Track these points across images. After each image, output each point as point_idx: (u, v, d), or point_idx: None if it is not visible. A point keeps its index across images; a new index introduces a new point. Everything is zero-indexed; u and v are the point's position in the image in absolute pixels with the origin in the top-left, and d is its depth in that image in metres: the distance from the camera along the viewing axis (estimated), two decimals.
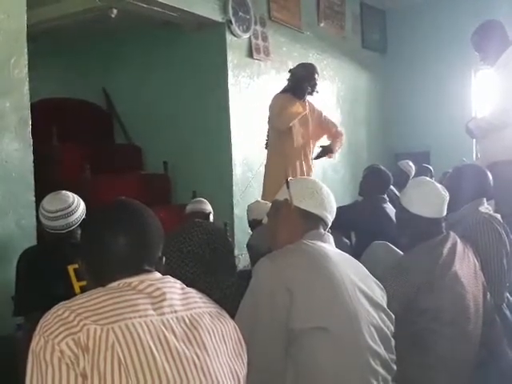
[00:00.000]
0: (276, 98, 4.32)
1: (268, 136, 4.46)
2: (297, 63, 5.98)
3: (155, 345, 1.16)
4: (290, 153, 4.31)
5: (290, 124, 4.21)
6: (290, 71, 4.48)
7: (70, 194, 2.54)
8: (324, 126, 4.57)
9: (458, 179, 2.83)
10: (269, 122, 4.41)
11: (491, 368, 2.36)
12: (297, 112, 4.23)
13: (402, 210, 2.39)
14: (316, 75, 4.38)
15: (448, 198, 2.35)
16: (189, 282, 1.40)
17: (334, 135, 4.60)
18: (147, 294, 1.23)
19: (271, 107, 4.29)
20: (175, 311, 1.24)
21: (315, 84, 4.36)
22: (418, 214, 2.31)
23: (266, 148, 4.49)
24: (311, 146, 4.51)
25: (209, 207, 3.95)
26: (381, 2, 7.64)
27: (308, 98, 4.44)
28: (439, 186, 2.37)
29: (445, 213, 2.35)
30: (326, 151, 4.53)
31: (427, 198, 2.32)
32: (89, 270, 1.36)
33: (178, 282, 1.33)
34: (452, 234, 2.36)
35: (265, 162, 4.53)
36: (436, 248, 2.26)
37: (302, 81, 4.31)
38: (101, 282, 1.28)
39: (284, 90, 4.41)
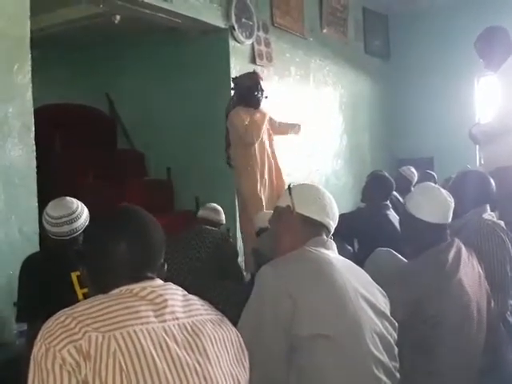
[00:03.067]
0: (234, 114, 4.28)
1: (229, 153, 4.43)
2: (300, 69, 6.04)
3: (157, 352, 1.16)
4: (255, 160, 4.31)
5: (259, 135, 4.23)
6: (233, 80, 4.48)
7: (74, 200, 2.54)
8: (271, 123, 4.56)
9: (462, 186, 2.82)
10: (231, 139, 4.38)
11: (495, 375, 2.35)
12: (261, 123, 4.25)
13: (407, 215, 2.37)
14: (261, 81, 4.38)
15: (453, 204, 2.33)
16: (194, 288, 1.40)
17: (281, 131, 4.65)
18: (149, 300, 1.23)
19: (235, 125, 4.26)
20: (177, 318, 1.24)
21: (262, 90, 4.36)
22: (423, 219, 2.29)
23: (229, 165, 4.46)
24: (272, 144, 4.52)
25: (222, 217, 3.92)
26: (384, 7, 7.65)
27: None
28: (445, 192, 2.36)
29: (450, 219, 2.34)
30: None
31: (433, 203, 2.31)
32: (90, 276, 1.36)
33: (180, 288, 1.32)
34: (456, 240, 2.35)
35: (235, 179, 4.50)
36: (441, 255, 2.25)
37: (251, 90, 4.30)
38: (102, 289, 1.28)
39: (235, 104, 4.37)
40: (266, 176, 4.36)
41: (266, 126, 4.36)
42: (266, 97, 4.40)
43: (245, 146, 4.27)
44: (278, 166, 4.50)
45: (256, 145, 4.27)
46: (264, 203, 4.23)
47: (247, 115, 4.24)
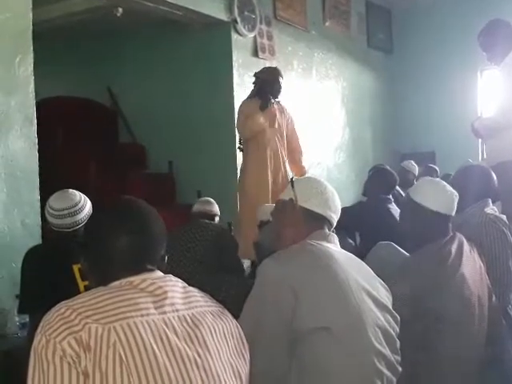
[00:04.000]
0: (243, 104, 4.34)
1: (241, 141, 4.46)
2: (302, 62, 6.03)
3: (157, 344, 1.16)
4: (264, 155, 4.34)
5: (252, 134, 4.24)
6: (254, 75, 4.48)
7: (76, 192, 2.54)
8: (290, 133, 4.59)
9: (464, 180, 2.80)
10: (240, 139, 4.44)
11: (496, 369, 2.35)
12: (258, 124, 4.26)
13: (411, 203, 2.34)
14: (280, 78, 4.39)
15: (458, 197, 2.33)
16: (194, 281, 1.40)
17: (291, 157, 4.63)
18: (149, 292, 1.23)
19: (238, 114, 4.32)
20: (177, 310, 1.24)
21: (280, 87, 4.38)
22: (429, 207, 2.28)
23: (240, 151, 4.49)
24: (283, 143, 4.53)
25: (216, 209, 3.94)
26: (387, 1, 7.62)
27: (282, 101, 4.50)
28: (448, 185, 2.35)
29: (454, 212, 2.33)
30: None
31: (439, 193, 2.31)
32: (91, 268, 1.36)
33: (180, 280, 1.32)
34: (458, 234, 2.34)
35: (240, 166, 4.55)
36: (443, 249, 2.25)
37: (266, 85, 4.31)
38: (103, 281, 1.28)
39: (251, 95, 4.40)
40: (270, 177, 4.37)
41: (281, 125, 4.40)
42: (280, 92, 4.41)
43: (251, 140, 4.29)
44: (286, 169, 4.53)
45: (263, 143, 4.31)
46: (258, 199, 4.26)
47: (253, 111, 4.24)
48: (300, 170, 4.63)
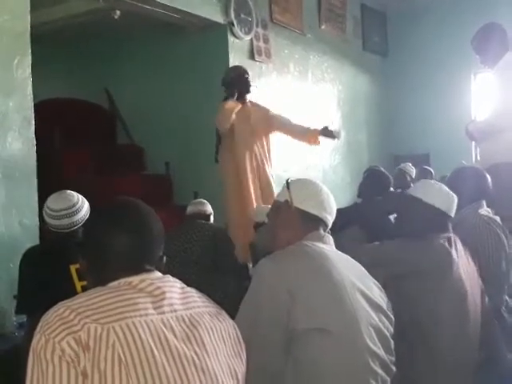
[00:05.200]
0: (219, 104, 4.33)
1: (217, 148, 4.46)
2: (298, 65, 6.05)
3: (155, 344, 1.17)
4: (236, 152, 4.34)
5: (228, 121, 4.24)
6: (222, 84, 4.45)
7: (74, 193, 2.55)
8: (271, 121, 4.51)
9: (458, 181, 2.82)
10: (216, 135, 4.43)
11: (490, 370, 2.36)
12: (228, 108, 4.25)
13: (413, 200, 2.35)
14: (246, 75, 4.39)
15: (456, 199, 2.35)
16: (191, 282, 1.41)
17: (291, 132, 4.55)
18: (147, 292, 1.24)
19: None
20: (175, 310, 1.25)
21: (247, 81, 4.37)
22: (432, 203, 2.30)
23: (216, 161, 4.48)
24: (262, 142, 4.48)
25: (209, 208, 3.97)
26: (382, 4, 7.65)
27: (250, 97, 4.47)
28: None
29: (453, 212, 2.35)
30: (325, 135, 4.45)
31: (441, 192, 2.34)
32: (89, 269, 1.37)
33: (178, 281, 1.33)
34: (454, 235, 2.36)
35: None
36: (440, 246, 2.26)
37: (233, 83, 4.33)
38: (101, 281, 1.29)
39: (224, 99, 4.38)
40: (249, 174, 4.37)
41: (251, 121, 4.37)
42: (251, 85, 4.42)
43: (226, 138, 4.32)
44: (265, 169, 4.47)
45: (238, 140, 4.32)
46: (242, 200, 4.27)
47: (224, 105, 4.26)
48: (310, 134, 4.46)
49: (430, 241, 2.26)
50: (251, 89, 4.44)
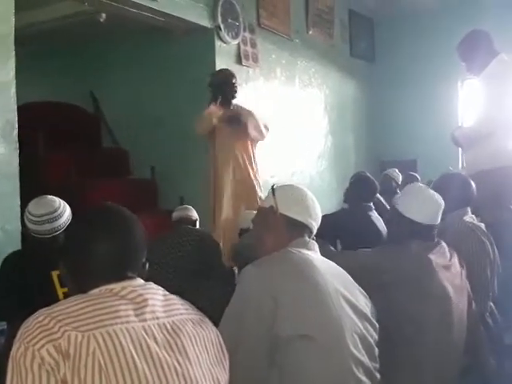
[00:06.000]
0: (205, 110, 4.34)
1: None
2: (285, 70, 6.05)
3: (136, 351, 1.16)
4: (218, 156, 4.35)
5: (208, 126, 4.25)
6: (208, 85, 4.45)
7: (56, 198, 2.53)
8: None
9: (443, 188, 2.82)
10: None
11: (474, 376, 2.37)
12: (209, 113, 4.27)
13: (396, 213, 2.38)
14: (233, 79, 4.39)
15: (443, 206, 2.35)
16: (177, 288, 1.40)
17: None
18: (129, 300, 1.23)
19: None
20: (157, 318, 1.24)
21: (233, 86, 4.38)
22: (412, 218, 2.31)
23: None
24: (246, 146, 4.47)
25: (195, 214, 3.96)
26: (369, 10, 7.69)
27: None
28: (435, 193, 2.37)
29: (439, 220, 2.36)
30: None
31: (424, 204, 2.33)
32: (70, 275, 1.35)
33: (161, 288, 1.32)
34: (441, 241, 2.37)
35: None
36: (424, 253, 2.27)
37: (219, 86, 4.33)
38: (82, 288, 1.27)
39: (209, 102, 4.39)
40: (233, 179, 4.36)
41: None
42: (236, 91, 4.42)
43: (209, 142, 4.31)
44: (249, 173, 4.45)
45: (219, 143, 4.33)
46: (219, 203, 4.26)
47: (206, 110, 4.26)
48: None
49: (408, 248, 2.27)
50: (236, 94, 4.42)
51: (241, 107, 4.51)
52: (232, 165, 4.36)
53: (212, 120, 4.26)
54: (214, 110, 4.28)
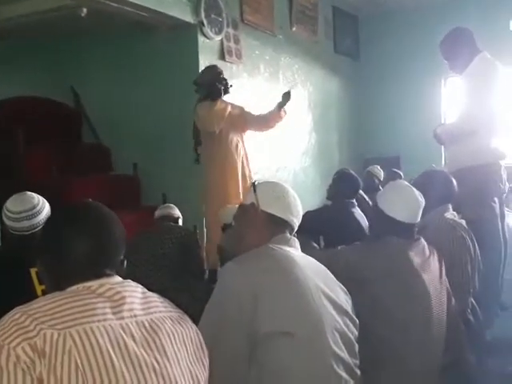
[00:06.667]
0: (199, 106, 4.32)
1: (197, 150, 4.46)
2: (269, 67, 6.04)
3: (114, 350, 1.15)
4: (226, 153, 4.36)
5: (222, 122, 4.25)
6: (195, 83, 4.45)
7: (34, 195, 2.50)
8: (246, 118, 4.59)
9: (424, 185, 2.82)
10: (195, 135, 4.42)
11: (454, 373, 2.38)
12: (221, 108, 4.26)
13: (377, 211, 2.39)
14: (222, 75, 4.42)
15: (424, 203, 2.36)
16: (159, 285, 1.39)
17: (260, 124, 4.65)
18: (107, 297, 1.22)
19: (199, 116, 4.31)
20: (135, 315, 1.23)
21: (226, 82, 4.40)
22: (393, 216, 2.32)
23: (197, 162, 4.48)
24: (242, 140, 4.56)
25: (178, 212, 3.96)
26: (353, 7, 7.71)
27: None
28: (416, 191, 2.38)
29: (419, 218, 2.37)
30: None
31: (404, 202, 2.34)
32: (47, 273, 1.34)
33: (140, 286, 1.31)
34: (421, 239, 2.38)
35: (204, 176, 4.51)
36: (404, 250, 2.28)
37: (212, 83, 4.32)
38: (59, 286, 1.26)
39: (200, 100, 4.38)
40: (239, 171, 4.37)
41: (234, 120, 4.37)
42: (231, 85, 4.44)
43: (212, 138, 4.28)
44: (248, 167, 4.55)
45: (225, 138, 4.32)
46: (229, 197, 4.24)
47: (210, 106, 4.24)
48: (274, 115, 4.58)
49: (388, 245, 2.28)
50: (229, 89, 4.42)
51: (231, 103, 4.51)
52: (235, 159, 4.39)
53: (225, 116, 4.23)
54: (223, 106, 4.26)
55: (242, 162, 4.44)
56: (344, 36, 7.64)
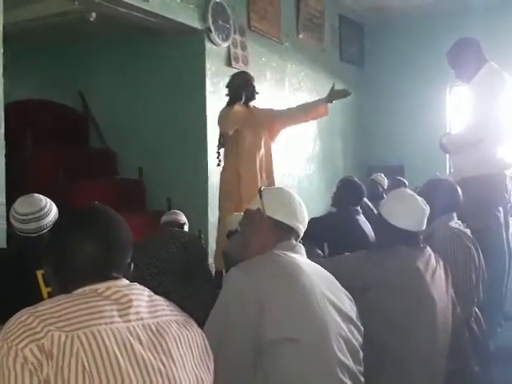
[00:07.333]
0: (220, 111, 4.32)
1: (219, 153, 4.44)
2: (275, 73, 6.06)
3: (120, 352, 1.15)
4: (242, 157, 4.31)
5: (235, 124, 4.21)
6: (226, 86, 4.43)
7: (42, 197, 2.52)
8: (274, 118, 4.50)
9: (429, 193, 2.82)
10: (219, 139, 4.41)
11: (458, 382, 2.38)
12: (236, 112, 4.23)
13: (381, 220, 2.38)
14: (253, 81, 4.39)
15: (428, 211, 2.35)
16: (164, 290, 1.40)
17: (299, 118, 4.56)
18: (114, 300, 1.22)
19: (218, 120, 4.29)
20: (141, 318, 1.23)
21: (253, 88, 4.37)
22: (396, 225, 2.31)
23: (218, 165, 4.45)
24: (267, 147, 4.47)
25: (184, 218, 3.97)
26: (359, 16, 7.73)
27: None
28: (420, 199, 2.37)
29: (424, 226, 2.35)
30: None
31: (408, 210, 2.32)
32: (54, 275, 1.34)
33: (146, 289, 1.32)
34: (426, 248, 2.37)
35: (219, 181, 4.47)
36: (410, 259, 2.27)
37: (238, 89, 4.31)
38: (66, 288, 1.27)
39: (228, 104, 4.35)
40: (258, 177, 4.34)
41: (257, 126, 4.34)
42: (257, 93, 4.41)
43: (229, 141, 4.27)
44: (271, 172, 4.47)
45: (242, 142, 4.28)
46: (241, 203, 4.23)
47: (230, 110, 4.23)
48: (321, 106, 4.48)
49: (395, 255, 2.27)
50: (256, 96, 4.40)
51: (259, 108, 4.50)
52: (253, 165, 4.35)
53: (240, 119, 4.24)
54: (241, 110, 4.26)
55: (261, 169, 4.40)
56: (350, 44, 7.66)
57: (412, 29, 7.45)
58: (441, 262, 2.41)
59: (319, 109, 4.49)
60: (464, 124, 3.90)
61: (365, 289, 2.17)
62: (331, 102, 4.43)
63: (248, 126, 4.30)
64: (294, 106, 4.64)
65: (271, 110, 4.55)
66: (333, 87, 4.42)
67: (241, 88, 4.31)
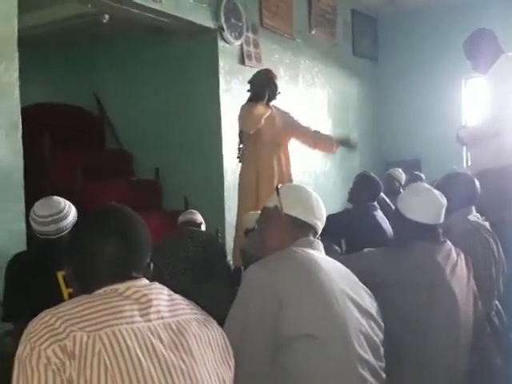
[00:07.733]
0: (242, 107, 4.31)
1: (240, 149, 4.43)
2: (289, 70, 6.05)
3: (142, 352, 1.16)
4: (261, 155, 4.30)
5: (257, 125, 4.20)
6: (248, 82, 4.41)
7: (61, 199, 2.54)
8: (292, 127, 4.49)
9: (448, 187, 2.81)
10: (239, 134, 4.40)
11: (481, 375, 2.36)
12: (260, 113, 4.20)
13: (398, 215, 2.37)
14: (276, 80, 4.36)
15: (445, 204, 2.34)
16: (183, 289, 1.40)
17: (309, 142, 4.56)
18: (134, 300, 1.23)
19: (239, 117, 4.28)
20: (162, 317, 1.24)
21: (276, 87, 4.34)
22: (414, 219, 2.30)
23: (239, 161, 4.46)
24: (286, 147, 4.47)
25: (200, 218, 3.98)
26: (372, 9, 7.68)
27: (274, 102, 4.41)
28: (437, 192, 2.36)
29: (442, 219, 2.34)
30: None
31: (425, 204, 2.32)
32: (75, 276, 1.35)
33: (166, 288, 1.33)
34: (447, 242, 2.36)
35: (238, 176, 4.47)
36: (431, 254, 2.26)
37: (261, 87, 4.30)
38: (87, 289, 1.27)
39: (248, 100, 4.35)
40: (275, 176, 4.34)
41: (276, 125, 4.34)
42: (279, 92, 4.39)
43: (250, 139, 4.27)
44: (289, 171, 4.47)
45: (262, 140, 4.26)
46: (259, 201, 4.22)
47: (252, 107, 4.22)
48: (335, 144, 4.54)
49: (415, 250, 2.26)
50: (278, 95, 4.39)
51: (279, 108, 4.50)
52: (273, 165, 4.34)
53: (262, 119, 4.24)
54: (263, 109, 4.26)
55: (279, 168, 4.39)
56: (362, 38, 7.62)
57: (425, 21, 7.38)
58: (462, 255, 2.39)
59: (331, 145, 4.56)
60: (481, 116, 3.86)
61: (384, 285, 2.16)
62: (339, 144, 4.54)
63: (268, 126, 4.30)
64: (312, 127, 4.63)
65: (294, 121, 4.52)
66: (349, 140, 4.57)
67: (264, 86, 4.30)
